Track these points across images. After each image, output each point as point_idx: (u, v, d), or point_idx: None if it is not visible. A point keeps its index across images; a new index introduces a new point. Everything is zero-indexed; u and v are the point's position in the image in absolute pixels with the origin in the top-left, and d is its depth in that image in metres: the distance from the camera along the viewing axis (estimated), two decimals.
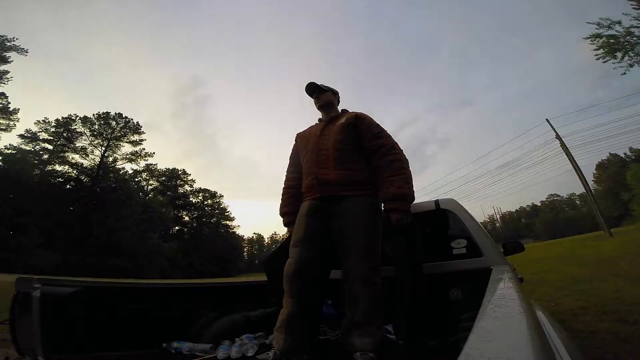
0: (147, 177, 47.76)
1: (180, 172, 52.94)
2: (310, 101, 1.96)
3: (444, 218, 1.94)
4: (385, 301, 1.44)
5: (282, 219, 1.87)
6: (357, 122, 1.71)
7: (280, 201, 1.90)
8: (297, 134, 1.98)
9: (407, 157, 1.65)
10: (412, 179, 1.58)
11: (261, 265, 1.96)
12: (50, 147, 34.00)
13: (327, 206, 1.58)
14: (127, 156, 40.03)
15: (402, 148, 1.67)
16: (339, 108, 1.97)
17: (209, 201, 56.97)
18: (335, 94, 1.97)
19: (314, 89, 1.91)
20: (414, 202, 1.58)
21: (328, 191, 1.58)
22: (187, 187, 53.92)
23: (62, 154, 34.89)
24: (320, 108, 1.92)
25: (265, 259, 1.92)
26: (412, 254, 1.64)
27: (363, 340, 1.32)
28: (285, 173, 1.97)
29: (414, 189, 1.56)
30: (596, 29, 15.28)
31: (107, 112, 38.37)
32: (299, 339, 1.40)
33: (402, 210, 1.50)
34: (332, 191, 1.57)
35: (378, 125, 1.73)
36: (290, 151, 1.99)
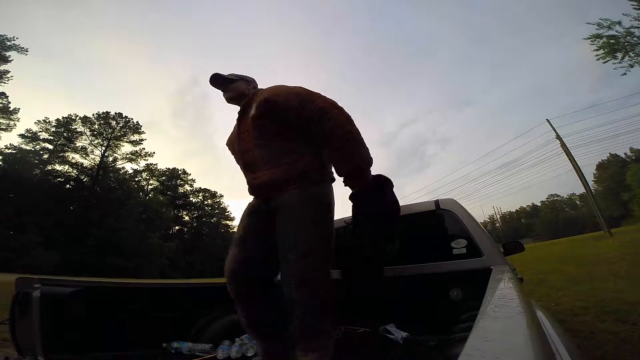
0: (147, 177, 47.75)
1: (180, 172, 52.95)
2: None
3: (443, 218, 1.94)
4: (347, 301, 1.36)
5: None
6: (270, 107, 1.37)
7: None
8: (226, 143, 1.71)
9: (348, 114, 1.29)
10: (362, 142, 1.24)
11: None
12: (50, 146, 34.02)
13: (265, 204, 1.41)
14: (127, 156, 40.05)
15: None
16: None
17: (209, 201, 56.96)
18: (249, 82, 1.63)
19: (219, 81, 1.59)
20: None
21: (264, 193, 1.41)
22: (187, 187, 53.94)
23: (62, 154, 34.90)
24: (230, 101, 1.59)
25: None
26: (372, 245, 1.50)
27: (307, 357, 1.13)
28: None
29: (368, 152, 1.25)
30: (596, 29, 15.32)
31: (107, 111, 38.45)
32: (271, 343, 1.32)
33: (360, 187, 1.25)
34: (268, 192, 1.39)
35: (296, 93, 1.35)
36: None
